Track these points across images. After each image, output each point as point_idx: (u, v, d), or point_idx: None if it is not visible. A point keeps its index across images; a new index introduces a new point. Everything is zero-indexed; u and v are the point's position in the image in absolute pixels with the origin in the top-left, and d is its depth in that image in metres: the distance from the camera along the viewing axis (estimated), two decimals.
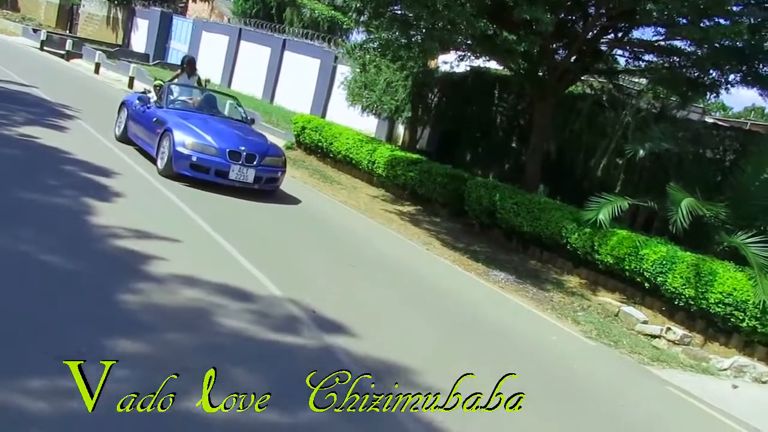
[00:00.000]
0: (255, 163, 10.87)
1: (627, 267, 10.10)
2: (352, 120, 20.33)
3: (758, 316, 8.50)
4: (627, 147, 11.30)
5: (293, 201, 11.73)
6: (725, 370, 8.06)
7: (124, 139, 12.92)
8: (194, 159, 10.56)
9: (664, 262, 9.58)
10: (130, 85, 24.48)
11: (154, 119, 11.60)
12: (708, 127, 13.91)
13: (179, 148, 10.59)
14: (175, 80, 14.08)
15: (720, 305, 8.90)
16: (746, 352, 8.75)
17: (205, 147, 10.69)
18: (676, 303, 9.54)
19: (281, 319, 6.03)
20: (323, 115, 22.93)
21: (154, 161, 11.26)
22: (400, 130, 19.67)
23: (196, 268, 6.65)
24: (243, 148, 10.87)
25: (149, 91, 13.60)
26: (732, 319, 8.83)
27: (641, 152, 11.01)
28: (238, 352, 5.14)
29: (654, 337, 8.88)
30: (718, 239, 10.03)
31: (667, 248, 9.76)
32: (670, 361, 8.06)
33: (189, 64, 14.68)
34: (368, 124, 20.97)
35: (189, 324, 5.41)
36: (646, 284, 9.92)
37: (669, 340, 8.78)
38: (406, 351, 6.03)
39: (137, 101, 12.56)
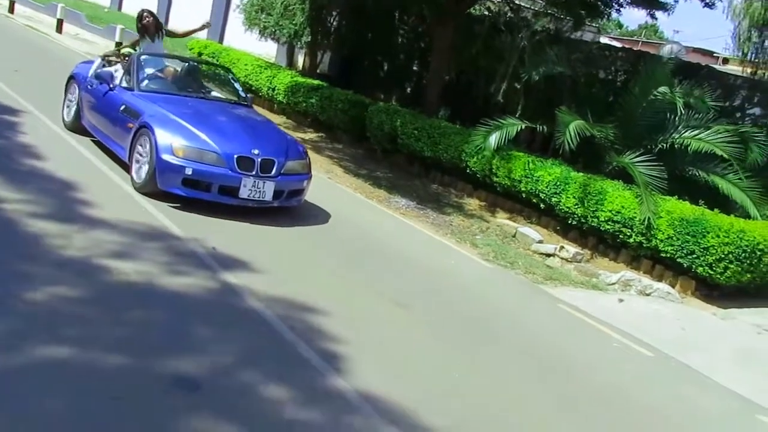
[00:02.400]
0: (273, 172, 7.60)
1: (523, 189, 10.43)
2: (250, 45, 19.82)
3: (644, 232, 8.97)
4: (522, 71, 11.47)
5: None
6: (613, 284, 8.51)
7: (77, 127, 9.42)
8: (188, 171, 7.21)
9: (558, 183, 9.93)
10: (59, 28, 21.55)
11: (122, 107, 8.23)
12: (601, 48, 14.27)
13: (165, 156, 7.23)
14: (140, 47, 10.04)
15: (609, 223, 9.34)
16: (633, 267, 9.26)
17: (203, 153, 7.35)
18: (569, 222, 9.95)
19: (182, 252, 5.99)
20: (221, 41, 22.25)
21: (125, 166, 7.96)
22: (301, 55, 19.30)
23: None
24: (256, 151, 7.54)
25: (109, 60, 9.65)
26: (620, 236, 9.29)
27: (536, 76, 11.22)
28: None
29: (548, 255, 9.26)
30: (608, 159, 10.44)
31: (561, 169, 10.10)
32: (563, 278, 8.44)
33: (151, 23, 10.00)
34: (268, 49, 20.50)
35: None
36: (542, 205, 10.28)
37: (562, 258, 9.18)
38: (304, 284, 6.11)
39: (94, 79, 9.14)
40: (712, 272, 8.44)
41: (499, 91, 12.16)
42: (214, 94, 9.37)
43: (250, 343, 4.86)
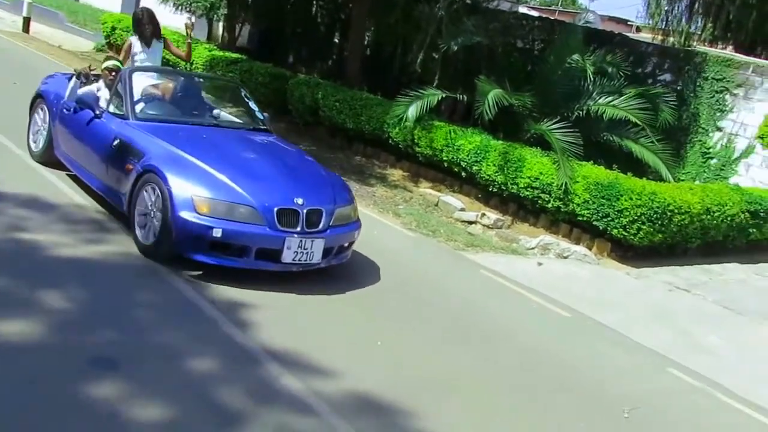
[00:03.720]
0: (322, 225, 5.90)
1: (445, 158, 10.55)
2: (165, 19, 19.28)
3: (561, 197, 9.21)
4: (441, 42, 11.55)
5: None
6: (533, 249, 8.73)
7: (49, 158, 7.56)
8: (217, 233, 5.50)
9: (479, 152, 10.08)
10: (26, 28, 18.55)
11: (116, 141, 6.35)
12: (518, 18, 14.47)
13: (185, 214, 5.51)
14: (131, 58, 8.21)
15: (528, 189, 9.54)
16: (552, 231, 9.51)
17: (234, 207, 5.62)
18: (490, 189, 10.13)
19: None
20: None
21: (121, 211, 6.28)
22: (219, 28, 18.95)
23: None
24: (300, 201, 5.82)
25: (89, 76, 7.62)
26: (539, 201, 9.52)
27: (454, 46, 11.31)
28: None
29: (470, 223, 9.41)
30: (526, 127, 10.64)
31: (481, 138, 10.25)
32: (484, 245, 8.60)
33: (148, 22, 8.29)
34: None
35: None
36: (463, 173, 10.43)
37: (484, 225, 9.34)
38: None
39: (75, 102, 7.09)
40: (626, 234, 8.74)
41: (416, 61, 12.20)
42: (225, 117, 7.66)
43: None
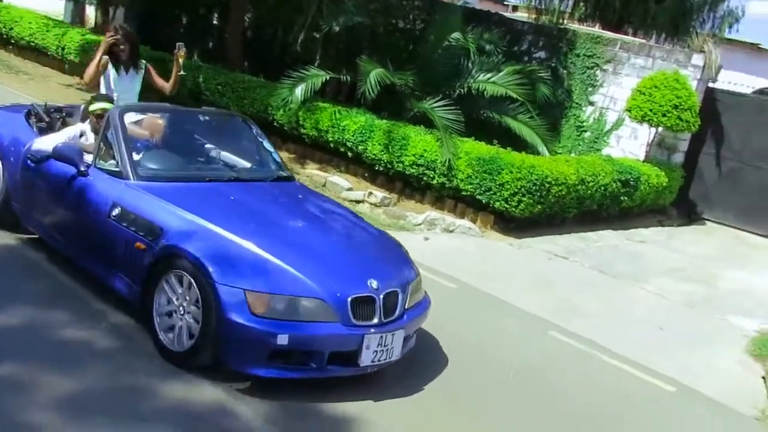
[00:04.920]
0: (398, 310, 4.67)
1: (331, 139, 10.59)
2: (34, 2, 18.41)
3: (445, 173, 9.44)
4: (322, 22, 11.54)
5: None
6: (419, 225, 8.92)
7: (4, 219, 6.00)
8: (282, 341, 4.18)
9: (364, 131, 10.18)
10: None
11: (115, 210, 4.91)
12: None
13: (237, 317, 4.16)
14: (107, 87, 6.47)
15: (414, 166, 9.73)
16: (437, 207, 9.74)
17: (298, 301, 4.28)
18: (376, 168, 10.26)
19: None
20: None
21: (125, 300, 4.90)
22: (91, 11, 18.22)
23: None
24: (375, 284, 4.54)
25: (47, 115, 6.23)
26: (424, 178, 9.72)
27: (336, 27, 11.32)
28: None
29: (358, 202, 9.51)
30: (409, 106, 10.80)
31: (366, 118, 10.35)
32: (372, 223, 8.69)
33: (124, 43, 6.46)
34: (55, 6, 19.16)
35: None
36: (349, 153, 10.51)
37: (371, 204, 9.47)
38: None
39: (50, 155, 5.37)
40: (507, 206, 9.06)
41: (297, 42, 12.15)
42: (242, 165, 6.00)
43: None
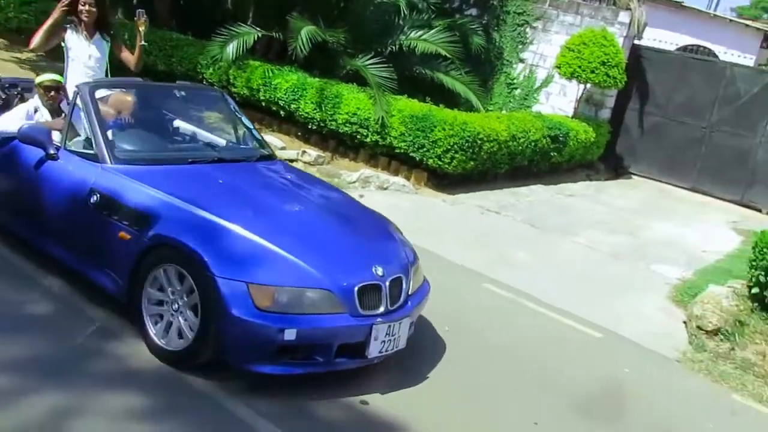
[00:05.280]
0: (403, 297, 4.43)
1: (263, 97, 10.47)
2: None
3: (379, 131, 9.46)
4: None
5: None
6: (354, 182, 8.95)
7: None
8: (290, 335, 3.87)
9: (296, 90, 10.10)
10: None
11: (94, 196, 4.46)
12: None
13: (241, 312, 3.82)
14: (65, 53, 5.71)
15: (347, 125, 9.72)
16: (371, 164, 9.78)
17: (303, 293, 4.00)
18: (309, 127, 10.21)
19: None
20: None
21: (109, 295, 4.49)
22: None
23: None
24: (380, 271, 4.28)
25: (15, 91, 5.87)
26: (358, 136, 9.73)
27: None
28: None
29: (292, 161, 9.44)
30: (342, 64, 10.74)
31: (298, 76, 10.26)
32: None
33: (92, 14, 5.64)
34: None
35: None
36: (282, 112, 10.42)
37: (305, 162, 9.43)
38: None
39: (15, 137, 4.88)
40: (440, 163, 9.16)
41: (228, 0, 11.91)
42: (225, 145, 5.64)
43: None
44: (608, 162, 13.00)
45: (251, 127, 5.87)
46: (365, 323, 4.09)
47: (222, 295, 3.82)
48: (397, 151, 9.47)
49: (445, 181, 9.51)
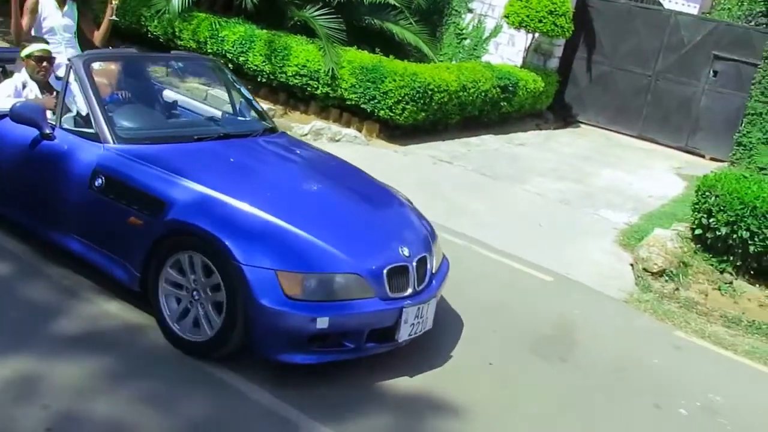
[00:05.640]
0: (428, 276, 4.31)
1: (210, 50, 10.26)
2: None
3: (329, 82, 9.40)
4: None
5: None
6: (306, 135, 8.90)
7: None
8: (322, 324, 3.71)
9: (244, 42, 9.94)
10: None
11: (99, 179, 4.20)
12: None
13: (270, 302, 3.64)
14: (37, 23, 5.68)
15: (297, 77, 9.63)
16: (323, 117, 9.73)
17: (332, 278, 3.83)
18: (259, 80, 10.07)
19: None
20: None
21: (121, 284, 4.23)
22: None
23: None
24: (406, 251, 4.15)
25: None
26: (308, 89, 9.65)
27: None
28: None
29: None
30: (289, 15, 10.57)
31: (245, 28, 10.09)
32: None
33: None
34: None
35: None
36: (230, 65, 10.22)
37: None
38: None
39: (9, 116, 4.50)
40: (392, 114, 9.17)
41: None
42: (229, 119, 5.34)
43: None
44: (557, 111, 13.15)
45: (250, 97, 5.61)
46: (395, 306, 3.95)
47: (249, 284, 3.63)
48: (348, 102, 9.44)
49: (396, 132, 9.53)
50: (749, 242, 6.48)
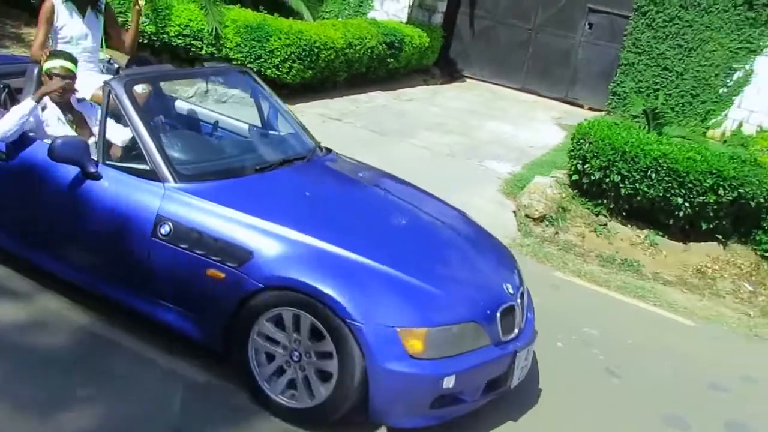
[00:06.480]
0: (526, 312, 3.94)
1: None
2: None
3: (213, 42, 9.28)
4: None
5: None
6: (191, 97, 8.71)
7: None
8: (448, 383, 3.30)
9: (122, 2, 9.63)
10: None
11: (164, 226, 3.58)
12: None
13: (394, 365, 3.22)
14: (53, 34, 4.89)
15: (180, 37, 9.44)
16: None
17: (452, 330, 3.38)
18: (141, 41, 9.75)
19: None
20: None
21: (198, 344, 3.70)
22: None
23: None
24: (510, 287, 3.79)
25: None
26: (192, 49, 9.48)
27: None
28: None
29: None
30: None
31: None
32: None
33: None
34: None
35: None
36: None
37: None
38: None
39: (50, 154, 3.70)
40: (279, 73, 9.15)
41: None
42: (275, 138, 4.77)
43: None
44: (443, 66, 13.40)
45: (288, 110, 5.02)
46: (508, 351, 3.59)
47: (369, 346, 3.20)
48: (234, 62, 9.33)
49: (284, 91, 9.46)
50: (620, 185, 6.92)
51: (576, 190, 7.39)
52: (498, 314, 3.55)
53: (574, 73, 13.06)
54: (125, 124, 3.94)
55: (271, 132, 4.79)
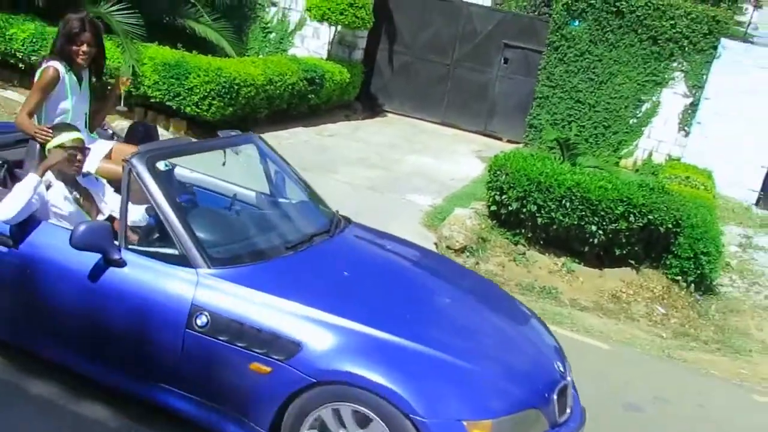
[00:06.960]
0: (571, 381, 3.74)
1: None
2: None
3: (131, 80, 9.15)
4: None
5: None
6: (111, 136, 8.64)
7: None
8: None
9: (35, 40, 9.50)
10: None
11: (200, 317, 3.29)
12: None
13: None
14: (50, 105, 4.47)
15: None
16: (127, 116, 9.33)
17: (515, 419, 3.18)
18: None
19: None
20: None
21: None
22: None
23: None
24: (560, 365, 3.67)
25: None
26: (109, 87, 9.31)
27: None
28: None
29: None
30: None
31: (35, 25, 9.65)
32: None
33: (92, 41, 4.61)
34: None
35: None
36: (22, 65, 9.73)
37: None
38: None
39: (73, 244, 3.34)
40: (199, 110, 9.11)
41: None
42: (292, 213, 4.46)
43: None
44: (364, 101, 13.56)
45: (300, 176, 4.69)
46: None
47: None
48: (153, 100, 9.26)
49: (205, 128, 9.47)
50: (537, 215, 7.11)
51: (495, 221, 7.55)
52: (554, 396, 3.41)
53: (492, 107, 13.40)
54: (145, 203, 3.66)
55: (289, 203, 4.50)
